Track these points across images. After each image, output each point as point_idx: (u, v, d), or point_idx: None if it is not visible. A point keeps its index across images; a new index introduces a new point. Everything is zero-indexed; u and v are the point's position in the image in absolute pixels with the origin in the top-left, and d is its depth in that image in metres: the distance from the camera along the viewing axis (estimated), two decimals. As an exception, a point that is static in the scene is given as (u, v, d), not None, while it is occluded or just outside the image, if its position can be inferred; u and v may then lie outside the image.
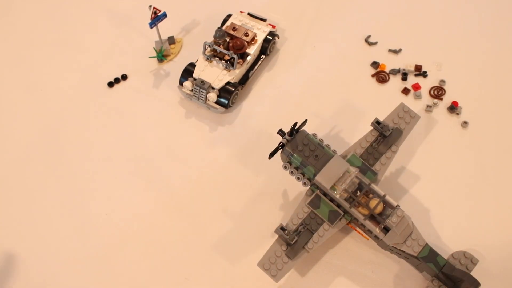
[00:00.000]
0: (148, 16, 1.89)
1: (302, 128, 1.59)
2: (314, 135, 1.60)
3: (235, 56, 1.82)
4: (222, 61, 1.84)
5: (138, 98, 1.93)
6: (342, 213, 1.52)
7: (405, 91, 1.89)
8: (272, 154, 1.58)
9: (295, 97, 1.91)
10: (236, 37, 1.87)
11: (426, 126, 1.83)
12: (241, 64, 1.85)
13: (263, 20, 1.96)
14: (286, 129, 1.59)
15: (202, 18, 2.09)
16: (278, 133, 1.60)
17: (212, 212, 1.72)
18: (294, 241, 1.49)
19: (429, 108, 1.85)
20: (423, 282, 1.58)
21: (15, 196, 1.77)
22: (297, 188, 1.71)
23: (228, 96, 1.83)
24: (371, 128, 1.62)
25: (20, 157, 1.84)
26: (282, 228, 1.50)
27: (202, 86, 1.81)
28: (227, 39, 1.87)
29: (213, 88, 1.83)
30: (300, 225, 1.52)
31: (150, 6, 1.88)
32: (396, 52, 1.97)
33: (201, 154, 1.82)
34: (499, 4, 2.06)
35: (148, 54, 1.99)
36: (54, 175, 1.80)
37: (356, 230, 1.60)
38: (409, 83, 1.91)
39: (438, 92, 1.89)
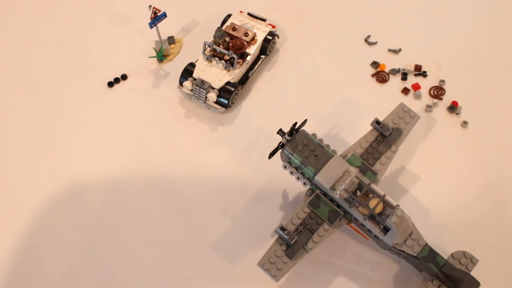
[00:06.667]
0: (148, 16, 1.89)
1: (302, 128, 1.59)
2: (314, 135, 1.60)
3: (235, 56, 1.82)
4: (222, 61, 1.84)
5: (138, 98, 1.93)
6: (342, 213, 1.52)
7: (405, 91, 1.89)
8: (272, 154, 1.58)
9: (295, 97, 1.91)
10: (236, 37, 1.87)
11: (426, 126, 1.83)
12: (241, 64, 1.85)
13: (263, 20, 1.96)
14: (286, 129, 1.59)
15: (202, 18, 2.09)
16: (278, 133, 1.60)
17: (212, 212, 1.72)
18: (294, 241, 1.49)
19: (429, 108, 1.85)
20: (423, 282, 1.58)
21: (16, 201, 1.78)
22: (297, 188, 1.71)
23: (228, 96, 1.83)
24: (371, 128, 1.62)
25: (19, 158, 1.84)
26: (282, 228, 1.50)
27: (202, 86, 1.81)
28: (227, 39, 1.87)
29: (213, 88, 1.83)
30: (300, 225, 1.52)
31: (150, 6, 1.88)
32: (396, 52, 1.97)
33: (201, 154, 1.82)
34: (499, 4, 2.07)
35: (148, 54, 1.99)
36: (54, 176, 1.80)
37: (356, 230, 1.60)
38: (409, 83, 1.91)
39: (438, 92, 1.89)
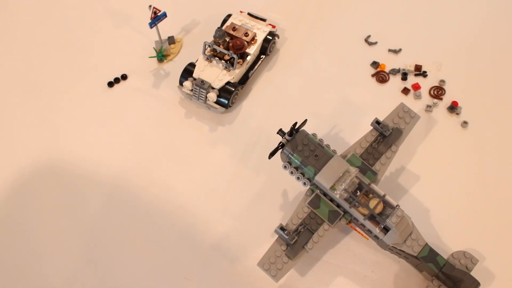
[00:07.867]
0: (148, 16, 1.89)
1: (302, 128, 1.59)
2: (314, 135, 1.60)
3: (235, 56, 1.82)
4: (222, 61, 1.84)
5: (138, 98, 1.93)
6: (342, 213, 1.52)
7: (405, 91, 1.89)
8: (272, 154, 1.58)
9: (295, 97, 1.91)
10: (236, 37, 1.87)
11: (426, 126, 1.83)
12: (241, 64, 1.85)
13: (263, 20, 1.96)
14: (286, 129, 1.59)
15: (202, 18, 2.09)
16: (278, 133, 1.60)
17: (212, 212, 1.72)
18: (294, 241, 1.49)
19: (429, 108, 1.85)
20: (423, 282, 1.58)
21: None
22: (297, 188, 1.71)
23: (228, 96, 1.83)
24: (371, 128, 1.62)
25: (19, 160, 1.83)
26: (282, 228, 1.50)
27: (202, 86, 1.81)
28: (227, 39, 1.87)
29: (213, 88, 1.83)
30: (300, 225, 1.52)
31: (150, 6, 1.89)
32: (396, 52, 1.97)
33: (201, 154, 1.82)
34: (499, 4, 2.06)
35: (148, 54, 1.99)
36: (54, 176, 1.80)
37: (356, 230, 1.60)
38: (409, 83, 1.91)
39: (438, 92, 1.89)
